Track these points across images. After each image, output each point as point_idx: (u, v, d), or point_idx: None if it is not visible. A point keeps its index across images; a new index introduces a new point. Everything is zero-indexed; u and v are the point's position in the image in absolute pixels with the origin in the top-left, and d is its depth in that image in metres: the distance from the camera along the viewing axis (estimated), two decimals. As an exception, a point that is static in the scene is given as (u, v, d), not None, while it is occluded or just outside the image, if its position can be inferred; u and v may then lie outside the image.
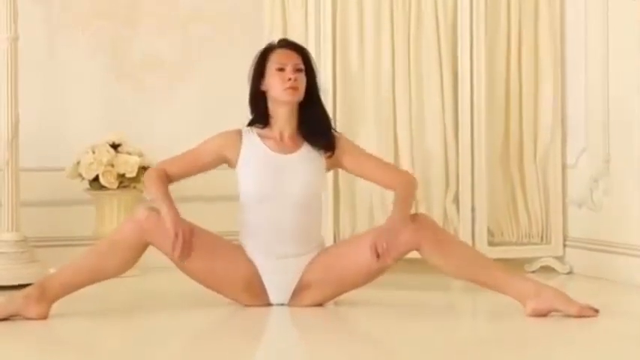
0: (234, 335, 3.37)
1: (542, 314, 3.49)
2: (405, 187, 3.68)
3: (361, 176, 3.83)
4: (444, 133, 4.60)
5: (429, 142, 4.60)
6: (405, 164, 4.57)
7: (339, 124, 4.53)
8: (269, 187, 3.63)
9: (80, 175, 4.55)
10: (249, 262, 3.64)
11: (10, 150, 4.19)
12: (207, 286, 3.66)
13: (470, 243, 4.47)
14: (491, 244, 4.59)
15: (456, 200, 4.59)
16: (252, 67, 3.74)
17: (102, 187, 4.54)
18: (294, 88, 3.65)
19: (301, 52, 3.74)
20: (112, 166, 4.52)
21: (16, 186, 4.20)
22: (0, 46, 4.19)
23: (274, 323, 3.54)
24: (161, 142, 4.81)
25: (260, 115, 3.72)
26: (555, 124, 4.66)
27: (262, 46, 4.71)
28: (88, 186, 4.58)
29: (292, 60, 3.69)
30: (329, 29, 4.53)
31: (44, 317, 3.47)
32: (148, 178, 3.68)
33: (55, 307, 3.51)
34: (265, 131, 3.72)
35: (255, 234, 3.65)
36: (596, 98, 4.46)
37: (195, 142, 4.72)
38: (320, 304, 3.67)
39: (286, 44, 3.77)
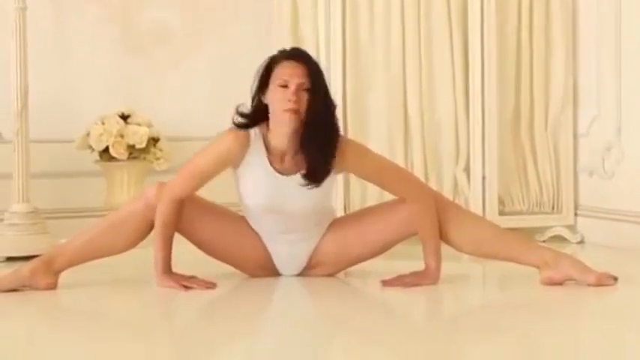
0: (245, 303, 3.37)
1: (557, 283, 3.47)
2: (428, 220, 3.49)
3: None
4: (455, 102, 4.59)
5: (440, 111, 4.59)
6: (415, 133, 4.56)
7: (349, 96, 4.53)
8: (270, 205, 3.51)
9: (90, 147, 4.55)
10: (259, 241, 3.61)
11: (20, 120, 4.19)
12: (217, 259, 3.65)
13: (480, 212, 4.47)
14: (501, 213, 4.58)
15: (467, 169, 4.58)
16: (256, 76, 3.48)
17: (112, 159, 4.54)
18: (295, 111, 3.39)
19: (310, 66, 3.44)
20: (122, 137, 4.51)
21: (26, 157, 4.20)
22: (9, 16, 4.18)
23: (286, 291, 3.54)
24: (170, 112, 4.81)
25: (262, 120, 3.48)
26: (566, 92, 4.64)
27: (270, 17, 4.77)
28: (97, 157, 4.58)
29: (297, 77, 3.40)
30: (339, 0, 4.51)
31: (53, 288, 3.47)
32: (158, 216, 3.47)
33: (64, 276, 3.51)
34: (270, 136, 3.48)
35: (259, 225, 3.60)
36: (608, 66, 4.44)
37: (204, 113, 4.76)
38: (330, 275, 3.67)
39: (294, 55, 3.47)
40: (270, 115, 3.46)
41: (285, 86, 3.41)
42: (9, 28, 4.18)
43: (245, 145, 3.47)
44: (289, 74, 3.42)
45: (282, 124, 3.44)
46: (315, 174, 3.45)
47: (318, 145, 3.43)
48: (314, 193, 3.48)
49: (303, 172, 3.45)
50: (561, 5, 4.63)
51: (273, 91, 3.43)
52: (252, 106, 3.50)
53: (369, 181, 3.65)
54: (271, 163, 3.48)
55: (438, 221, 3.51)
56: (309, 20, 4.58)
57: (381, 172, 3.54)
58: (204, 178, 3.51)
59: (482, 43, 4.53)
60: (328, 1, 4.52)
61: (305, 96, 3.41)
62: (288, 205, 3.50)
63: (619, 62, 4.39)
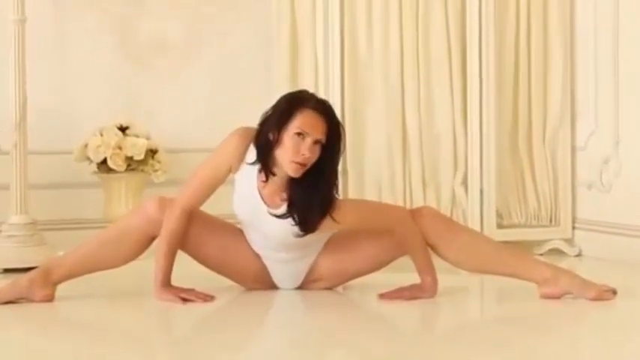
0: (243, 315, 3.36)
1: (555, 298, 3.47)
2: (415, 240, 3.49)
3: None
4: (453, 115, 4.59)
5: (438, 123, 4.59)
6: (413, 146, 4.56)
7: (347, 107, 4.53)
8: (252, 225, 3.51)
9: (88, 158, 4.54)
10: (257, 255, 3.60)
11: (19, 132, 4.19)
12: (216, 272, 3.65)
13: (478, 225, 4.47)
14: (499, 226, 4.58)
15: (465, 182, 4.58)
16: (276, 111, 3.39)
17: (110, 170, 4.53)
18: (302, 165, 3.34)
19: (333, 123, 3.38)
20: (120, 148, 4.51)
21: (24, 169, 4.20)
22: (8, 28, 4.19)
23: (284, 304, 3.54)
24: (169, 123, 4.81)
25: (263, 163, 3.41)
26: (564, 105, 4.64)
27: (269, 27, 4.77)
28: (96, 169, 4.57)
29: (317, 131, 3.33)
30: (337, 7, 4.50)
31: (50, 300, 3.46)
32: (165, 227, 3.45)
33: (61, 289, 3.50)
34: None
35: (251, 240, 3.59)
36: (606, 80, 4.45)
37: (203, 125, 4.75)
38: (329, 288, 3.67)
39: (320, 108, 3.38)
40: (275, 155, 3.39)
41: (301, 136, 3.34)
42: (7, 39, 4.19)
43: (249, 140, 3.42)
44: (310, 126, 3.34)
45: (284, 170, 3.40)
46: (302, 222, 3.40)
47: (309, 202, 3.38)
48: (286, 236, 3.45)
49: (281, 211, 3.42)
50: (559, 20, 4.63)
51: (288, 137, 3.35)
52: (261, 138, 3.41)
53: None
54: (258, 187, 3.46)
55: (420, 236, 3.49)
56: (309, 34, 4.59)
57: (359, 223, 3.52)
58: (213, 184, 3.49)
59: (481, 56, 4.52)
60: (327, 9, 4.52)
61: (318, 150, 3.36)
62: (266, 232, 3.49)
63: (616, 76, 4.40)
